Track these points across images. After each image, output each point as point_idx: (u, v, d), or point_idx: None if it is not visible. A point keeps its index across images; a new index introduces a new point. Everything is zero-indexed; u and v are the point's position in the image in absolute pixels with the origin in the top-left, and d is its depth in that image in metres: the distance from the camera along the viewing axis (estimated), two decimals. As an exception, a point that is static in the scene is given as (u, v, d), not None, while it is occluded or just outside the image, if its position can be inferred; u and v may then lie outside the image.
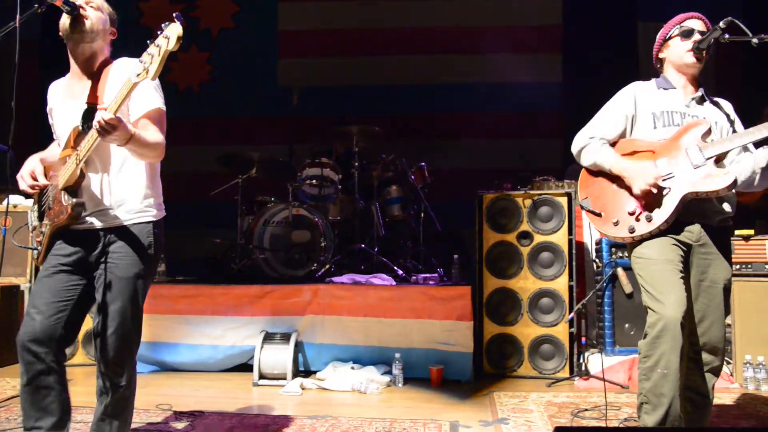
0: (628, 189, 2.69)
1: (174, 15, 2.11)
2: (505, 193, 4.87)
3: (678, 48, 2.78)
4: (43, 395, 2.43)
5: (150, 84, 2.49)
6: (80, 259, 2.50)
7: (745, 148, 2.75)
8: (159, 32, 2.12)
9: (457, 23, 7.14)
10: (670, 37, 2.83)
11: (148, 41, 2.14)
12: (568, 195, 4.72)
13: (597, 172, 2.82)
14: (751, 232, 4.48)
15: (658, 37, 2.89)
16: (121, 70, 2.50)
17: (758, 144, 2.69)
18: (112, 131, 2.21)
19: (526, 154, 6.40)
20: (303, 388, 4.27)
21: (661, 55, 2.89)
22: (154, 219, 2.59)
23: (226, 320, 4.75)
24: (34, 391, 2.42)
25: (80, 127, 2.45)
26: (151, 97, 2.51)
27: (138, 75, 2.17)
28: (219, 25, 7.44)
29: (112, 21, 2.63)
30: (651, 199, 2.63)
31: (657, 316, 2.47)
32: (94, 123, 2.22)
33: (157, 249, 2.58)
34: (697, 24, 2.78)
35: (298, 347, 4.62)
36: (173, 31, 2.10)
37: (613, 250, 4.69)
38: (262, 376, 4.45)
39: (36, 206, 2.67)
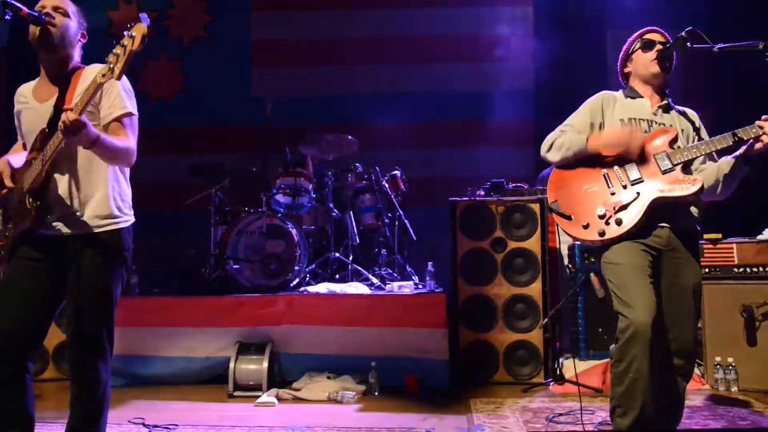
0: (598, 191, 2.73)
1: (140, 15, 2.12)
2: (478, 201, 4.90)
3: (642, 59, 2.86)
4: (5, 403, 2.37)
5: (121, 88, 2.49)
6: (48, 265, 2.46)
7: (710, 157, 2.82)
8: (125, 32, 2.13)
9: (430, 32, 7.17)
10: (633, 51, 2.91)
11: (115, 41, 2.13)
12: (541, 201, 4.76)
13: (566, 176, 2.84)
14: (719, 236, 4.56)
15: (621, 54, 2.97)
16: (92, 75, 2.47)
17: (721, 153, 2.76)
18: (76, 132, 2.19)
19: None
20: (279, 399, 4.25)
21: (626, 70, 2.97)
22: (124, 226, 2.55)
23: (201, 332, 4.71)
24: None
25: (46, 130, 2.42)
26: (121, 102, 2.48)
27: (103, 75, 2.17)
28: (192, 34, 7.38)
29: (81, 24, 2.59)
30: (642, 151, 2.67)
31: (627, 322, 2.50)
32: (59, 124, 2.19)
33: (127, 256, 2.55)
34: (657, 36, 2.86)
35: (274, 357, 4.59)
36: (138, 30, 2.11)
37: (586, 255, 4.74)
38: (237, 388, 4.41)
39: (1, 210, 2.62)
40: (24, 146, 2.66)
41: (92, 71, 2.51)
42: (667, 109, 2.86)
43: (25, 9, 2.37)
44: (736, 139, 2.63)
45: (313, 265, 5.52)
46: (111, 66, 2.14)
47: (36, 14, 2.40)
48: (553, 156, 2.83)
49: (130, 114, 2.51)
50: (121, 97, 2.48)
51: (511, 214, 4.80)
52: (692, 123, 2.89)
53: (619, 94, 2.93)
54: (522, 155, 6.67)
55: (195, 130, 7.17)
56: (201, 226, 5.63)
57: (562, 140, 2.80)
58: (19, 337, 2.38)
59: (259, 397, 4.26)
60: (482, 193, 5.05)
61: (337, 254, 5.54)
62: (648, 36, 2.87)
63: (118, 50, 2.13)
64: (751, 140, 2.62)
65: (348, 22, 7.34)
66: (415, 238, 5.86)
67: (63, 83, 2.50)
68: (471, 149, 6.73)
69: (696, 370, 4.43)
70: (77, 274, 2.42)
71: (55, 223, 2.45)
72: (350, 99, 7.09)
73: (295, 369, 4.64)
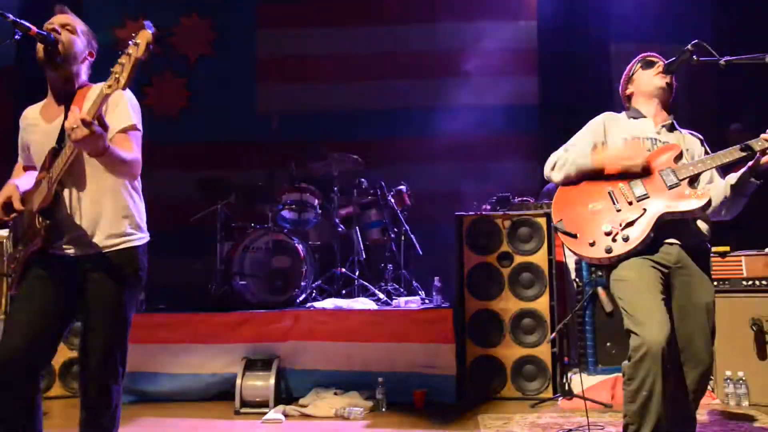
0: (604, 209, 2.73)
1: (144, 23, 2.10)
2: (484, 215, 4.90)
3: (644, 77, 2.90)
4: (17, 421, 2.34)
5: (128, 103, 2.47)
6: (59, 286, 2.43)
7: (717, 176, 2.83)
8: (130, 41, 2.11)
9: (433, 47, 7.20)
10: (633, 73, 2.95)
11: (120, 51, 2.12)
12: (547, 215, 4.75)
13: (571, 194, 2.83)
14: (727, 248, 4.54)
15: (622, 78, 3.01)
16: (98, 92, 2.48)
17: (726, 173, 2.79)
18: (88, 134, 2.12)
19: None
20: (286, 415, 4.23)
21: (627, 92, 2.99)
22: (138, 243, 2.53)
23: (207, 348, 4.70)
24: (8, 418, 2.33)
25: (55, 148, 2.41)
26: (127, 114, 2.46)
27: (109, 86, 2.14)
28: (197, 51, 7.44)
29: (90, 43, 2.59)
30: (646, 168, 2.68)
31: (640, 340, 2.48)
32: (67, 126, 2.15)
33: (141, 275, 2.52)
34: (656, 59, 2.91)
35: (280, 374, 4.57)
36: (142, 37, 2.08)
37: (593, 269, 4.72)
38: (244, 404, 4.39)
39: (11, 234, 2.62)
40: (24, 168, 2.68)
41: (98, 89, 2.51)
42: (671, 128, 2.88)
43: (34, 28, 2.38)
44: (742, 153, 2.62)
45: (320, 281, 5.51)
46: (116, 76, 2.12)
47: (45, 33, 2.40)
48: (557, 175, 2.85)
49: (135, 127, 2.48)
50: (127, 111, 2.47)
51: (517, 228, 4.79)
52: (698, 142, 2.91)
53: (622, 114, 2.96)
54: (528, 169, 6.66)
55: (200, 147, 7.19)
56: (207, 242, 5.63)
57: (565, 158, 2.82)
58: (31, 357, 2.36)
59: (265, 413, 4.23)
60: (488, 207, 5.05)
61: (344, 270, 5.53)
62: (648, 58, 2.93)
63: (123, 59, 2.11)
64: (758, 154, 2.61)
65: (352, 38, 7.38)
66: (421, 252, 5.85)
67: (68, 101, 2.49)
68: (476, 163, 6.72)
69: (706, 385, 4.39)
70: (90, 296, 2.40)
71: (66, 245, 2.43)
72: (355, 114, 7.11)
73: (302, 385, 4.61)
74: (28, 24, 2.38)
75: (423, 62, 7.17)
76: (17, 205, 2.47)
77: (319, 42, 7.36)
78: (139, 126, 2.52)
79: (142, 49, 2.07)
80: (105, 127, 2.20)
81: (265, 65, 7.42)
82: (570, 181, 2.83)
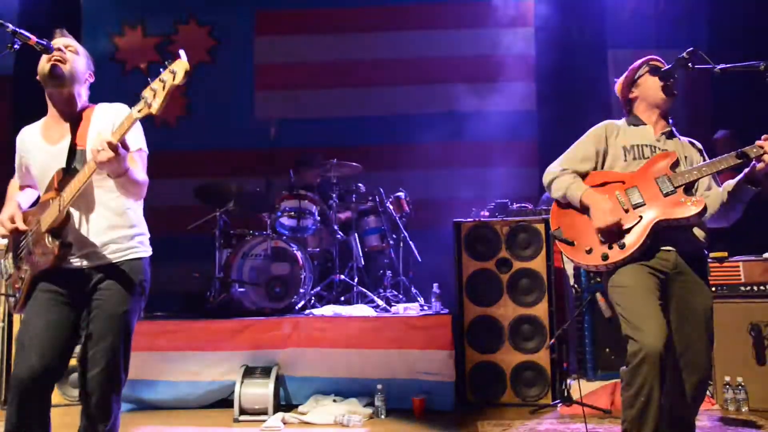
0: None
1: (179, 52, 2.13)
2: (482, 221, 4.90)
3: (651, 84, 2.87)
4: None
5: (138, 125, 2.49)
6: (70, 296, 2.46)
7: (714, 184, 2.83)
8: (162, 68, 2.12)
9: (431, 54, 7.23)
10: (639, 77, 2.92)
11: (149, 78, 2.13)
12: (546, 221, 4.76)
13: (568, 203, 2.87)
14: (725, 254, 4.55)
15: (622, 80, 2.99)
16: (104, 115, 2.52)
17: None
18: (113, 158, 2.17)
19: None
20: (285, 423, 4.22)
21: (631, 96, 2.97)
22: (144, 256, 2.59)
23: (206, 355, 4.69)
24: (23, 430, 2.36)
25: (64, 170, 2.43)
26: (137, 138, 2.52)
27: (139, 111, 2.16)
28: (195, 58, 7.37)
29: (89, 65, 2.63)
30: (614, 232, 2.67)
31: (638, 346, 2.49)
32: (92, 148, 2.19)
33: (146, 286, 2.58)
34: (661, 65, 2.90)
35: (279, 381, 4.57)
36: (180, 66, 2.11)
37: (592, 275, 4.72)
38: (243, 412, 4.38)
39: (11, 254, 2.61)
40: (21, 188, 2.70)
41: (103, 110, 2.56)
42: (670, 135, 2.89)
43: (34, 38, 2.40)
44: (738, 160, 2.64)
45: (318, 288, 5.51)
46: (148, 101, 2.13)
47: (45, 43, 2.42)
48: (554, 194, 2.88)
49: (142, 150, 2.56)
50: (137, 134, 2.52)
51: (516, 235, 4.79)
52: (698, 150, 2.92)
53: (622, 122, 2.96)
54: (526, 175, 6.68)
55: (199, 155, 7.20)
56: (205, 249, 5.63)
57: (562, 183, 2.84)
58: (55, 369, 2.39)
59: (264, 421, 4.23)
60: (487, 213, 5.05)
61: (342, 276, 5.53)
62: (655, 63, 2.90)
63: (156, 85, 2.12)
64: (753, 161, 2.62)
65: (350, 45, 7.40)
66: (420, 259, 5.86)
67: (74, 122, 2.53)
68: (475, 170, 6.74)
69: (705, 390, 4.39)
70: (96, 304, 2.44)
71: (75, 259, 2.46)
72: (353, 121, 7.14)
73: (301, 392, 4.61)
74: (27, 34, 2.39)
75: (421, 69, 7.20)
76: (20, 225, 2.50)
77: (317, 49, 7.38)
78: (146, 149, 2.59)
79: (179, 77, 2.10)
80: (127, 149, 2.25)
81: (263, 72, 7.44)
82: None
